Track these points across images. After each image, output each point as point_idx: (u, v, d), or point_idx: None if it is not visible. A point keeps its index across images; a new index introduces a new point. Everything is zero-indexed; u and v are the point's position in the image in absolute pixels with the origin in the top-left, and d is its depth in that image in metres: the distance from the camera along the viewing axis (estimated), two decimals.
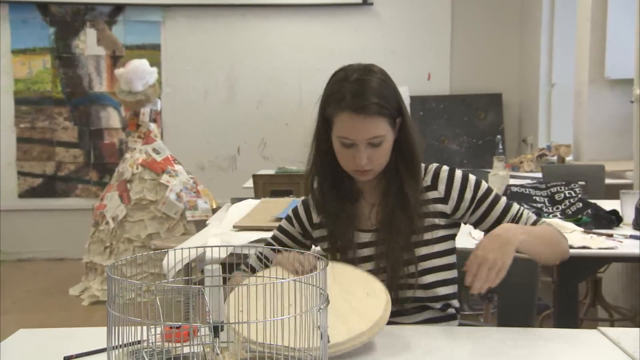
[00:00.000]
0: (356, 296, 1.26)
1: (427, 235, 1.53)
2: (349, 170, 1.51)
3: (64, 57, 6.07)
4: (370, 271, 1.50)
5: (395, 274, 1.50)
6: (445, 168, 1.57)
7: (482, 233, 1.55)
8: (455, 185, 1.54)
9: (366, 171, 1.50)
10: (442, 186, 1.55)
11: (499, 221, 1.53)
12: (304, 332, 0.98)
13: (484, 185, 1.55)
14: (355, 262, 1.54)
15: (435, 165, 1.58)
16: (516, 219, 1.53)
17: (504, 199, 1.55)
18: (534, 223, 1.53)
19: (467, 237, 2.58)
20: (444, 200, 1.55)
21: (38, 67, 6.07)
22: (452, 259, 1.57)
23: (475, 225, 1.57)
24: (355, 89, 1.44)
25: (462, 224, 1.60)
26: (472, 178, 1.55)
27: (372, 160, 1.48)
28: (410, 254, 1.51)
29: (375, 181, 1.57)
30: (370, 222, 1.57)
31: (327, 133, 1.51)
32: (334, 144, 1.50)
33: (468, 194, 1.53)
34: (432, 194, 1.55)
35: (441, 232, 1.55)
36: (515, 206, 1.55)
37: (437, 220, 1.54)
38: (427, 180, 1.56)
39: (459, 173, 1.56)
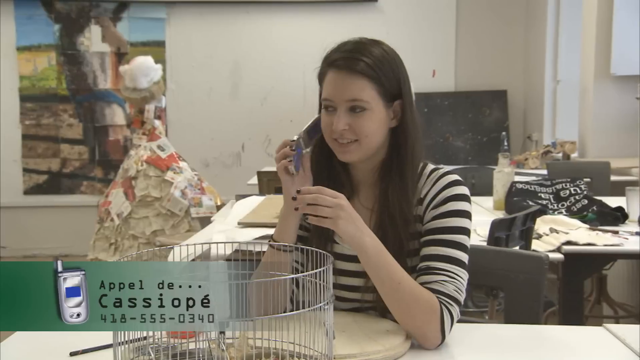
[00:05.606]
0: (375, 331, 1.25)
1: (414, 244, 1.34)
2: (330, 142, 1.34)
3: (68, 54, 6.08)
4: (358, 287, 1.35)
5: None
6: (449, 177, 1.34)
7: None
8: (434, 189, 1.33)
9: (347, 146, 1.32)
10: (427, 187, 1.35)
11: (423, 257, 1.30)
12: (310, 329, 0.98)
13: (461, 222, 1.31)
14: (334, 272, 1.31)
15: (444, 169, 1.37)
16: (430, 271, 1.27)
17: (455, 253, 1.28)
18: (431, 287, 1.24)
19: (473, 233, 2.58)
20: (421, 200, 1.35)
21: (43, 64, 6.08)
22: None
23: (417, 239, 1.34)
24: (350, 48, 1.32)
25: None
26: (459, 204, 1.32)
27: (353, 129, 1.30)
28: (403, 265, 1.26)
29: (373, 179, 1.39)
30: None
31: None
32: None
33: (438, 210, 1.31)
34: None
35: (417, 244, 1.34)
36: (447, 269, 1.26)
37: (417, 227, 1.34)
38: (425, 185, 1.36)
39: (455, 188, 1.33)
